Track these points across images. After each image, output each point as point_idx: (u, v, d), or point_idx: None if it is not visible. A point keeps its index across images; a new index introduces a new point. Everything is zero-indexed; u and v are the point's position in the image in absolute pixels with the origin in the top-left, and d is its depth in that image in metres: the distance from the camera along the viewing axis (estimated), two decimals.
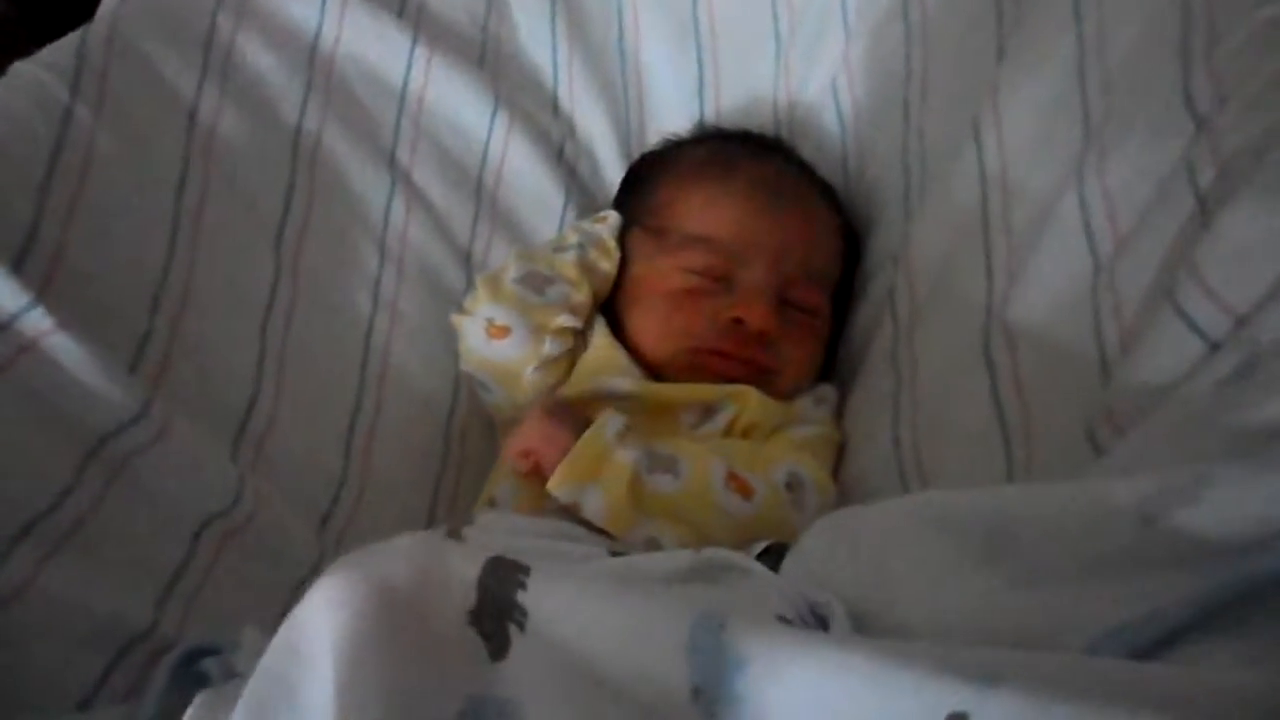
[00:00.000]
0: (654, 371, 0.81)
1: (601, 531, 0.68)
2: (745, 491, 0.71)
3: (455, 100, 0.96)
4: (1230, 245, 0.50)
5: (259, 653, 0.44)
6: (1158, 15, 0.63)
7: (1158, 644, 0.39)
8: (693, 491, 0.70)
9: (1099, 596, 0.42)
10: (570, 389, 0.79)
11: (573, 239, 0.87)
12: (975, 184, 0.74)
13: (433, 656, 0.38)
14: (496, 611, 0.39)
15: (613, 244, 0.87)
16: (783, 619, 0.56)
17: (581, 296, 0.83)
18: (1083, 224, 0.63)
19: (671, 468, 0.71)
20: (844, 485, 0.76)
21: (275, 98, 0.89)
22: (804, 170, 0.91)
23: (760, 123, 0.97)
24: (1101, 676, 0.34)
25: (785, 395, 0.81)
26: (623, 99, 1.05)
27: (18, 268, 0.64)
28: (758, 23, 1.00)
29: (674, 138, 0.96)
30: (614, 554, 0.65)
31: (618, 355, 0.81)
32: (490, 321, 0.81)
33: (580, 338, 0.83)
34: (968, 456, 0.67)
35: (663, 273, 0.83)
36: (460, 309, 0.85)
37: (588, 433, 0.71)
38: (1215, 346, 0.49)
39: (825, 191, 0.90)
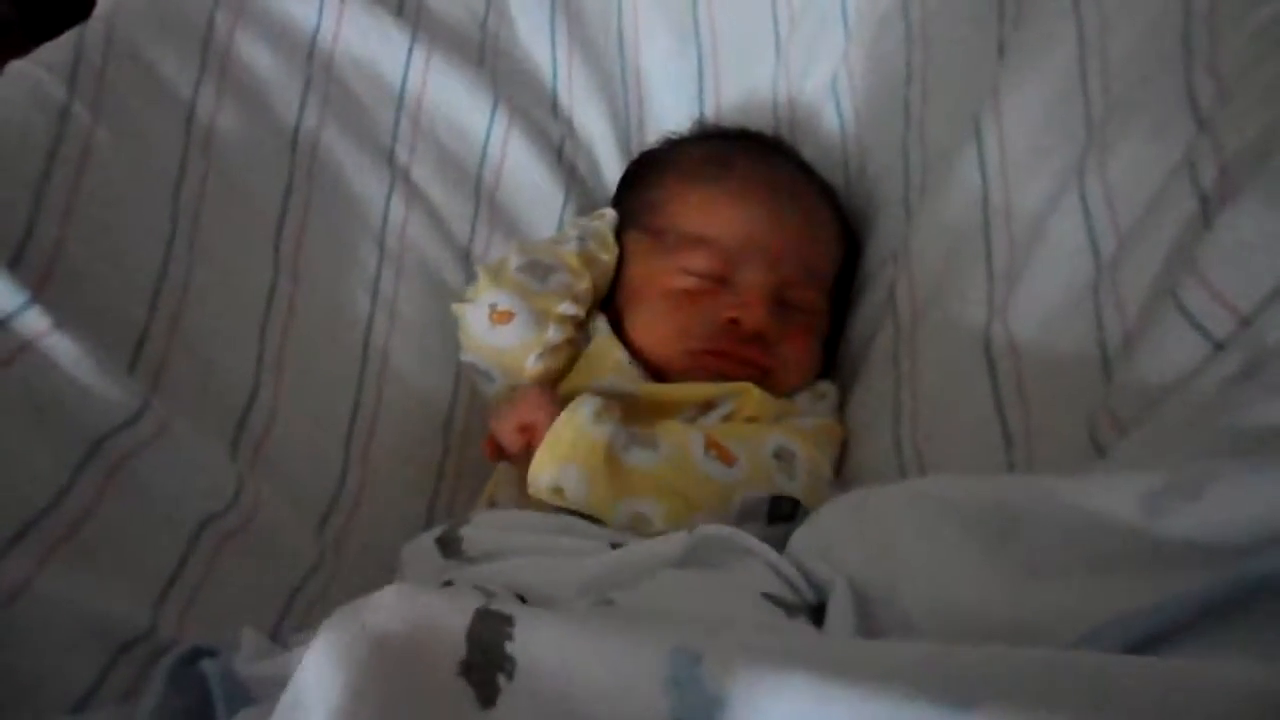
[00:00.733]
0: (654, 371, 0.81)
1: (593, 519, 0.68)
2: (726, 458, 0.71)
3: (454, 99, 0.96)
4: (1233, 244, 0.50)
5: (257, 654, 0.44)
6: (1159, 13, 0.63)
7: (1158, 640, 0.39)
8: (672, 461, 0.70)
9: (1100, 590, 0.42)
10: (570, 386, 0.79)
11: (572, 233, 0.87)
12: (976, 183, 0.74)
13: (426, 706, 0.40)
14: (486, 663, 0.40)
15: (611, 238, 0.87)
16: (770, 597, 0.56)
17: (583, 285, 0.83)
18: (1084, 223, 0.63)
19: (650, 443, 0.71)
20: (845, 483, 0.76)
21: (274, 96, 0.88)
22: (803, 170, 0.91)
23: (760, 122, 0.97)
24: (1090, 684, 0.34)
25: (784, 393, 0.81)
26: (622, 98, 1.05)
27: (14, 266, 0.64)
28: (758, 22, 1.00)
29: (673, 137, 0.96)
30: (614, 545, 0.65)
31: (618, 354, 0.81)
32: (493, 307, 0.81)
33: (581, 330, 0.83)
34: (969, 456, 0.67)
35: (661, 273, 0.83)
36: (461, 299, 0.85)
37: (564, 413, 0.71)
38: (1219, 345, 0.49)
39: (824, 191, 0.90)
